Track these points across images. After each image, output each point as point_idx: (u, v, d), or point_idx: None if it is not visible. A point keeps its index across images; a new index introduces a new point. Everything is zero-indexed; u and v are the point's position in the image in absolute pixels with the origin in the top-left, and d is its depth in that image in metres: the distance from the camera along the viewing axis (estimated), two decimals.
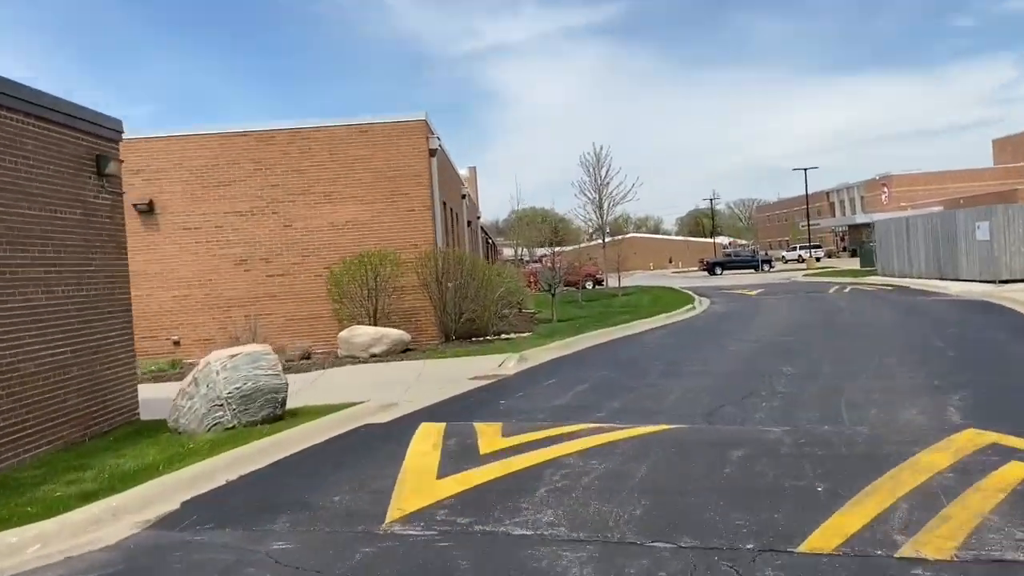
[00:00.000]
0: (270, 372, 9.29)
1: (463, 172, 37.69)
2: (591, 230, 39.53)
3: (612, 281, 39.11)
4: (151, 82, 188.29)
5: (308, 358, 15.47)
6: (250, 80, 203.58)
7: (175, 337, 17.33)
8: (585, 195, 36.61)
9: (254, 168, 17.43)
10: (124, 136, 17.84)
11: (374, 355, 14.93)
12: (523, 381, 11.92)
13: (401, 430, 8.80)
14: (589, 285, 38.92)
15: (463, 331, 17.38)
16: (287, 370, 14.44)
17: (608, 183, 36.04)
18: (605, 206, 36.15)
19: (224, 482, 7.09)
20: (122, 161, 10.23)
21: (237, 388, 9.01)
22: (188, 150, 17.37)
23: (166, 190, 17.35)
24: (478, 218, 40.60)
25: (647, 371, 12.13)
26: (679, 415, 8.72)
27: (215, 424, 8.97)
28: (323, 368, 14.17)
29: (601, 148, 37.07)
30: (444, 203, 20.74)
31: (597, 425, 8.29)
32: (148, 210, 17.19)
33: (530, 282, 31.79)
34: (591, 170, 36.26)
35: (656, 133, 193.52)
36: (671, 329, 18.73)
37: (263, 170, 17.44)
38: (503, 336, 17.64)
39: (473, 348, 15.52)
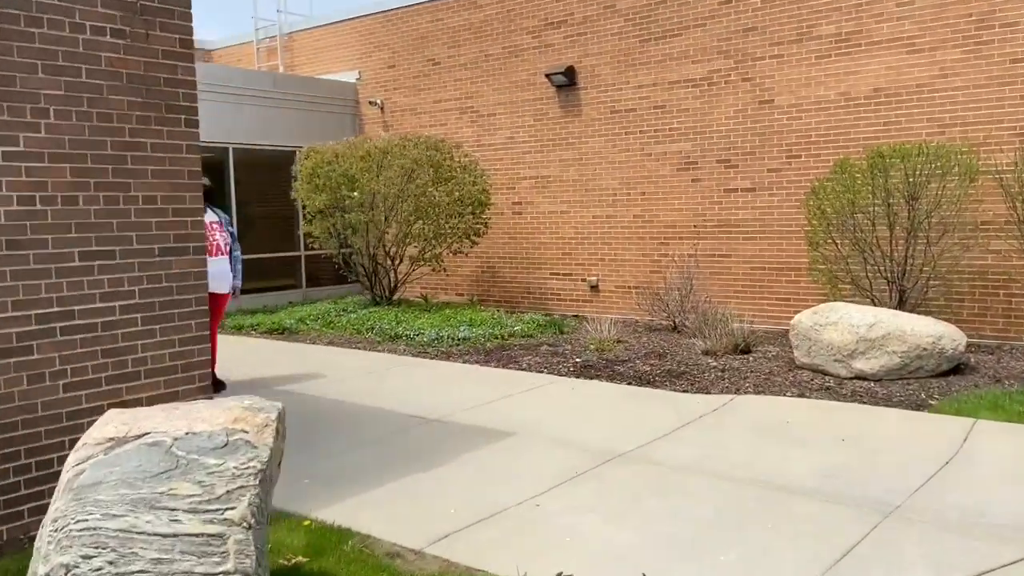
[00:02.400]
0: (205, 537, 2.64)
1: None
2: None
3: None
4: None
5: (746, 351, 8.05)
6: None
7: (592, 278, 11.46)
8: None
9: (719, 2, 10.13)
10: None
11: (860, 375, 6.79)
12: None
13: None
14: None
15: None
16: (677, 375, 7.37)
17: None
18: None
19: None
20: None
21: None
22: None
23: (591, 51, 11.25)
24: None
25: None
26: None
27: None
28: (734, 392, 6.72)
29: None
30: None
31: None
32: (567, 83, 11.38)
33: None
34: None
35: None
36: None
37: (733, 3, 10.03)
38: None
39: None
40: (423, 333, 9.34)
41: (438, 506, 4.42)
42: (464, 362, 8.26)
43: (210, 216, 7.18)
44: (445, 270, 11.39)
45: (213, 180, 12.20)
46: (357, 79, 13.93)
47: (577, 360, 8.06)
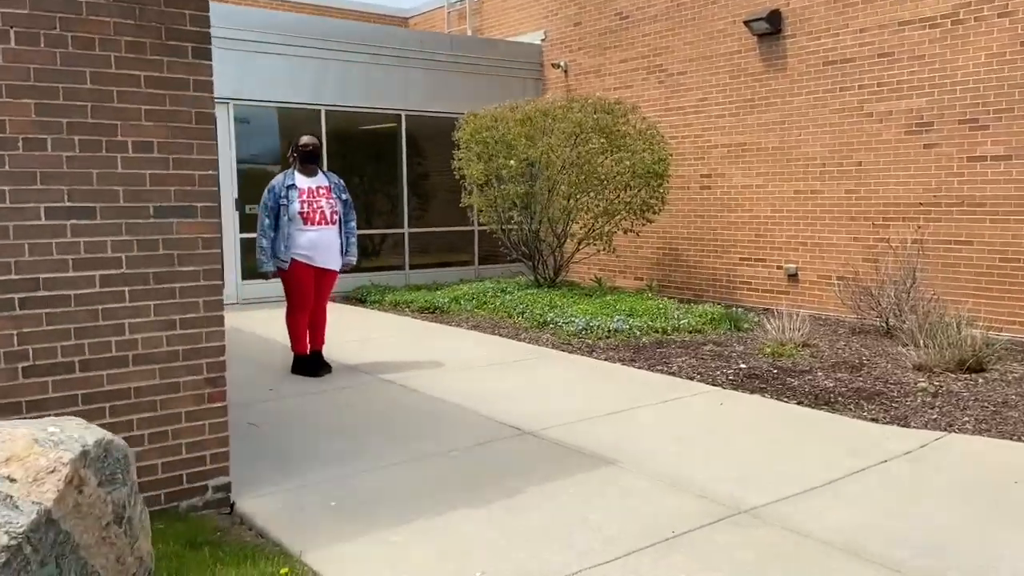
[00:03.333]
0: None
1: None
2: None
3: None
4: None
5: (976, 369, 6.02)
6: None
7: (791, 265, 9.60)
8: None
9: None
10: None
11: None
12: None
13: None
14: None
15: None
16: (868, 395, 5.30)
17: None
18: None
19: None
20: None
21: None
22: None
23: None
24: None
25: None
26: None
27: None
28: (944, 428, 4.87)
29: None
30: None
31: None
32: (771, 30, 9.53)
33: None
34: None
35: None
36: None
37: None
38: None
39: None
40: (573, 322, 8.12)
41: (466, 565, 3.24)
42: (606, 359, 6.95)
43: (318, 180, 6.42)
44: (615, 251, 10.04)
45: (385, 148, 11.75)
46: (542, 40, 12.86)
47: (741, 366, 6.47)
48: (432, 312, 9.55)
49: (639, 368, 6.60)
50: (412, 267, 11.87)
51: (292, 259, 6.25)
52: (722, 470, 4.24)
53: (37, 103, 3.42)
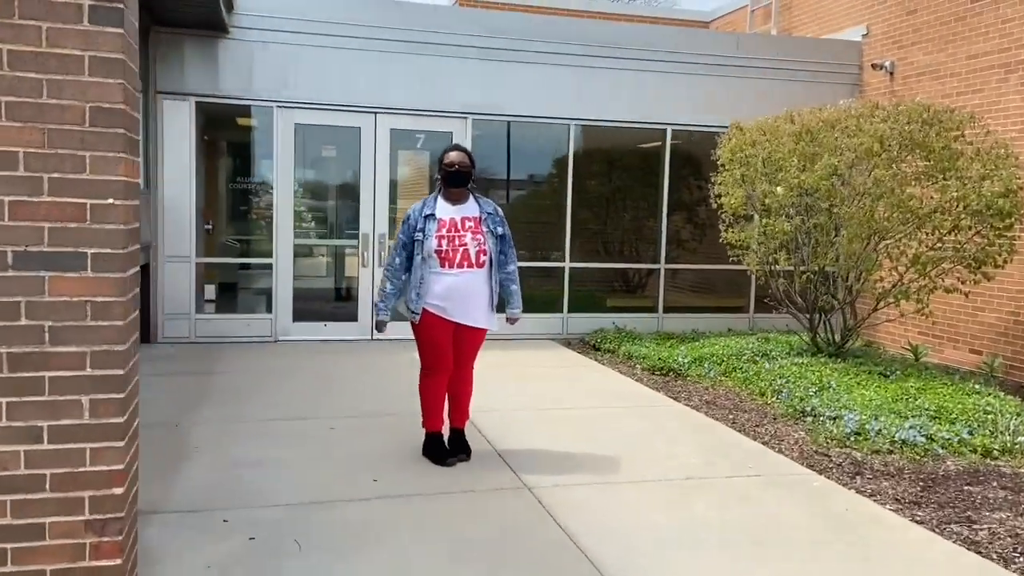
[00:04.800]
0: None
1: None
2: None
3: None
4: None
5: None
6: None
7: None
8: None
9: None
10: None
11: None
12: None
13: None
14: None
15: None
16: None
17: None
18: None
19: None
20: None
21: None
22: None
23: None
24: None
25: None
26: None
27: None
28: None
29: None
30: None
31: None
32: None
33: None
34: None
35: None
36: None
37: None
38: None
39: None
40: (841, 417, 5.67)
41: None
42: (871, 493, 4.51)
43: (466, 208, 4.85)
44: (931, 315, 7.18)
45: (644, 169, 9.88)
46: (864, 35, 10.15)
47: None
48: (664, 374, 7.56)
49: (920, 522, 4.11)
50: (667, 310, 9.89)
51: (423, 309, 4.77)
52: None
53: None
